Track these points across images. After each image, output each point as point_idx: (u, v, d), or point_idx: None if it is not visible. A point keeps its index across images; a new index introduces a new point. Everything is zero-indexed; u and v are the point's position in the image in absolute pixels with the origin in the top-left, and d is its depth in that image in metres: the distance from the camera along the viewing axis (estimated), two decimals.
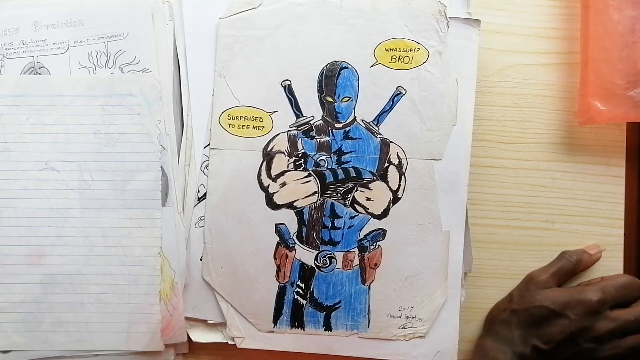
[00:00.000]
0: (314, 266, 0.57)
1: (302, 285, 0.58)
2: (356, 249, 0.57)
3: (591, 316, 0.54)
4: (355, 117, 0.57)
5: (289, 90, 0.56)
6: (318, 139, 0.57)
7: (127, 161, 0.57)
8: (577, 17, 0.59)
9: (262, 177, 0.57)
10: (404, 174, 0.57)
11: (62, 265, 0.57)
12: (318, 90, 0.57)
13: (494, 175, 0.60)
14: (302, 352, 0.58)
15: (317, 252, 0.57)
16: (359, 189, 0.57)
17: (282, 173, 0.57)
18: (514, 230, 0.60)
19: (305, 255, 0.57)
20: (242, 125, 0.57)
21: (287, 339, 0.58)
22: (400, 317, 0.57)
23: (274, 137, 0.57)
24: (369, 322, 0.58)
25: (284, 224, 0.57)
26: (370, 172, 0.57)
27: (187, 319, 0.57)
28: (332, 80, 0.56)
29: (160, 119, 0.57)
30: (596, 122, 0.57)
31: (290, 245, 0.57)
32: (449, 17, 0.56)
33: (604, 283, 0.56)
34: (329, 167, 0.57)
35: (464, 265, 0.58)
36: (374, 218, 0.57)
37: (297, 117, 0.57)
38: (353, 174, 0.57)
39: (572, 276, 0.59)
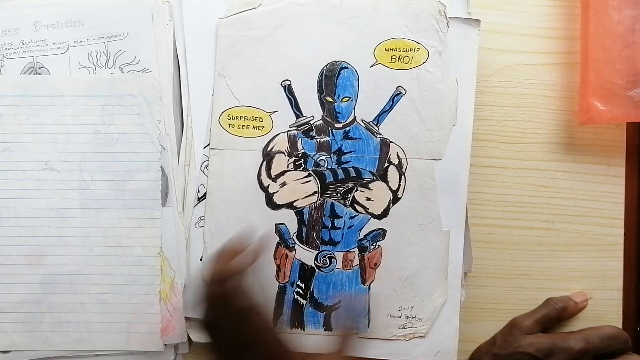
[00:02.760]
0: (314, 266, 0.57)
1: (302, 285, 0.58)
2: (356, 249, 0.57)
3: None
4: (355, 117, 0.57)
5: (288, 90, 0.56)
6: (318, 139, 0.57)
7: (127, 161, 0.57)
8: (577, 17, 0.59)
9: (262, 177, 0.57)
10: (404, 173, 0.57)
11: (62, 266, 0.57)
12: (318, 90, 0.57)
13: (494, 175, 0.60)
14: None
15: (317, 252, 0.57)
16: (359, 188, 0.57)
17: (282, 173, 0.57)
18: (514, 230, 0.60)
19: (305, 255, 0.57)
20: (242, 125, 0.57)
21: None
22: (400, 317, 0.57)
23: (274, 137, 0.57)
24: (368, 322, 0.58)
25: (283, 224, 0.57)
26: (370, 172, 0.57)
27: (186, 318, 0.57)
28: (332, 80, 0.56)
29: (160, 119, 0.57)
30: (596, 122, 0.57)
31: (290, 245, 0.57)
32: (449, 17, 0.56)
33: (589, 332, 0.56)
34: (329, 167, 0.57)
35: (464, 265, 0.58)
36: (373, 218, 0.57)
37: (297, 117, 0.57)
38: (353, 174, 0.57)
39: (557, 323, 0.59)
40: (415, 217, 0.57)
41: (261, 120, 0.57)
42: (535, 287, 0.60)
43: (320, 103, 0.57)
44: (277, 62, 0.57)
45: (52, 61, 0.57)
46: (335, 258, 0.57)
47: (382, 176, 0.57)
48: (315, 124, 0.57)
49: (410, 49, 0.56)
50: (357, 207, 0.57)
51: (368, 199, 0.57)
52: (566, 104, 0.59)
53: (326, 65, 0.57)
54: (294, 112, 0.57)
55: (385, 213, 0.57)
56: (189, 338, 0.58)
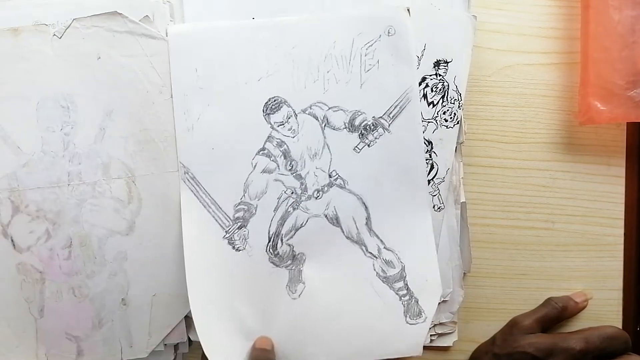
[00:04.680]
0: None
1: None
2: None
3: None
4: None
5: None
6: None
7: None
8: (577, 17, 0.59)
9: None
10: None
11: None
12: None
13: (494, 175, 0.60)
14: None
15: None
16: None
17: None
18: (514, 230, 0.60)
19: None
20: None
21: None
22: None
23: None
24: None
25: None
26: None
27: (186, 318, 0.57)
28: None
29: None
30: (596, 122, 0.57)
31: None
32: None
33: (589, 332, 0.56)
34: None
35: (463, 265, 0.58)
36: None
37: None
38: None
39: (557, 323, 0.59)
40: None
41: None
42: (535, 287, 0.60)
43: None
44: None
45: None
46: None
47: None
48: None
49: None
50: None
51: None
52: (566, 104, 0.60)
53: None
54: None
55: None
56: (189, 338, 0.58)
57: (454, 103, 0.56)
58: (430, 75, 0.56)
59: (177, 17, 0.57)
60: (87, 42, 0.55)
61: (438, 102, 0.56)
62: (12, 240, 0.55)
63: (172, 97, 0.55)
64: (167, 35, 0.55)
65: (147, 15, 0.55)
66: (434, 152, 0.56)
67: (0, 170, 0.55)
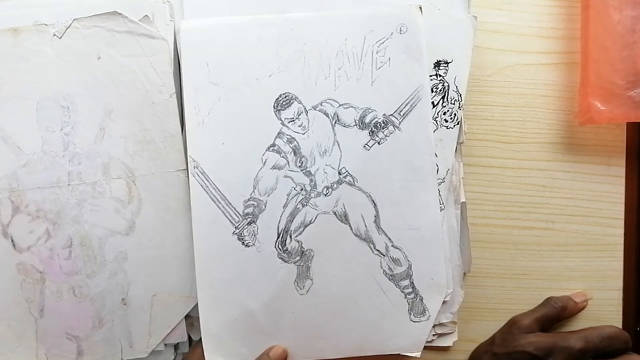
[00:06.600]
0: None
1: None
2: None
3: None
4: None
5: None
6: None
7: None
8: (577, 17, 0.59)
9: None
10: None
11: None
12: None
13: (494, 175, 0.60)
14: None
15: None
16: None
17: None
18: (514, 230, 0.60)
19: None
20: None
21: None
22: None
23: None
24: None
25: None
26: None
27: (186, 318, 0.57)
28: None
29: None
30: (596, 122, 0.57)
31: None
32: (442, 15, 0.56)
33: (589, 332, 0.56)
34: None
35: (463, 265, 0.58)
36: None
37: None
38: None
39: (557, 323, 0.59)
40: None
41: None
42: (535, 287, 0.60)
43: None
44: None
45: None
46: None
47: None
48: None
49: None
50: None
51: None
52: (566, 104, 0.60)
53: None
54: None
55: None
56: (189, 337, 0.58)
57: (454, 103, 0.56)
58: (430, 76, 0.56)
59: (177, 16, 0.57)
60: (87, 42, 0.55)
61: (438, 102, 0.56)
62: (12, 240, 0.55)
63: (173, 95, 0.55)
64: (178, 31, 0.55)
65: (146, 15, 0.55)
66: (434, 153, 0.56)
67: (0, 170, 0.55)
